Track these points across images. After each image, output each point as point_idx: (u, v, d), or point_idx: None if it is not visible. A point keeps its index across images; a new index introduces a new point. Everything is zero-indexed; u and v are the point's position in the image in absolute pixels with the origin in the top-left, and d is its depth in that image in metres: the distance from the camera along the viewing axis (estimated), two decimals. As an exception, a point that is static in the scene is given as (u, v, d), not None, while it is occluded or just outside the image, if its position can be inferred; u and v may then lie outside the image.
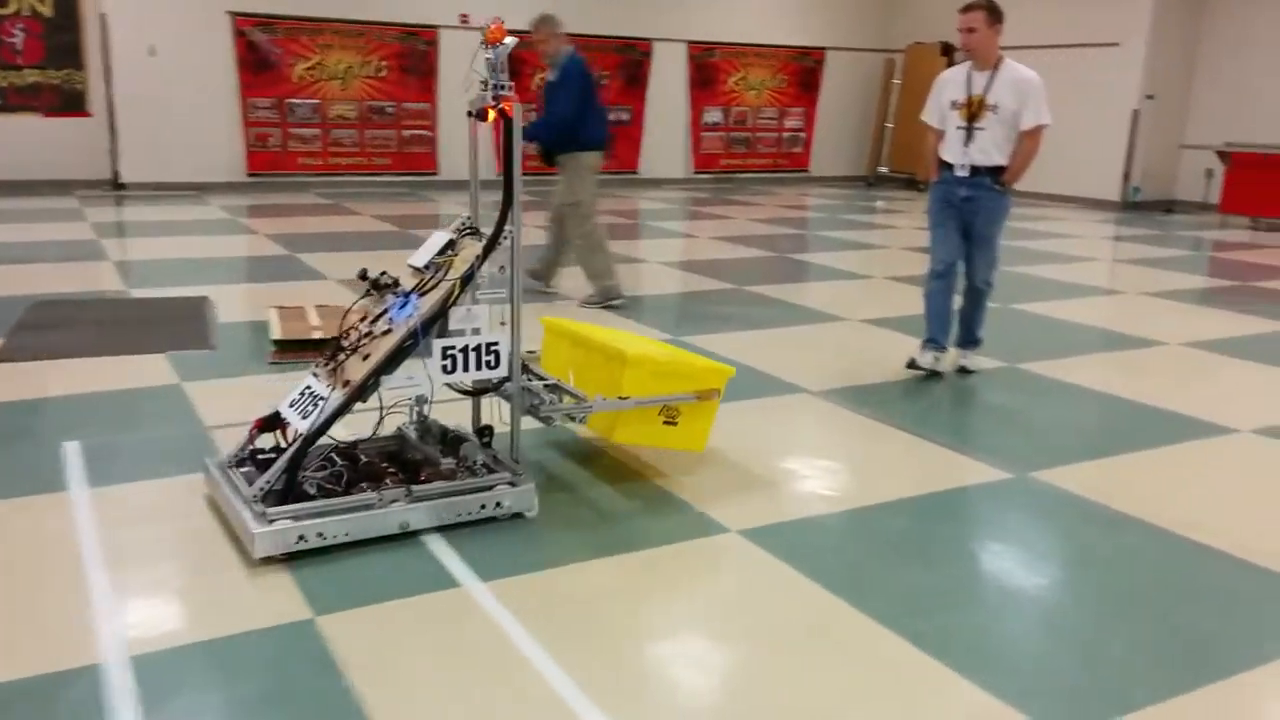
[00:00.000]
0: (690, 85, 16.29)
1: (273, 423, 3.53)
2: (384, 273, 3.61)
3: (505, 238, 3.45)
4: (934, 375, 5.49)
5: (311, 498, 3.28)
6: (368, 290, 3.62)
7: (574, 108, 6.86)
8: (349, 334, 3.52)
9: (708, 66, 16.41)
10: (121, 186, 12.65)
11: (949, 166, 5.44)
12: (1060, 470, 4.16)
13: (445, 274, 3.45)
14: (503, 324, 3.53)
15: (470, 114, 3.49)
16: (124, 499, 3.61)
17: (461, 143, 15.23)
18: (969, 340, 5.68)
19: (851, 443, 4.49)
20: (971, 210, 5.41)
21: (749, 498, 3.78)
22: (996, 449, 4.43)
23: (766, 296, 7.60)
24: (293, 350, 5.43)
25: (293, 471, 3.26)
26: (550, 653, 2.69)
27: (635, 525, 3.53)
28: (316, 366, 3.53)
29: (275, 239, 9.52)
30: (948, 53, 15.11)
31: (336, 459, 3.46)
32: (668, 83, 16.07)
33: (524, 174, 3.41)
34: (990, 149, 5.32)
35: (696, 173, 16.62)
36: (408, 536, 3.31)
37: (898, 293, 7.91)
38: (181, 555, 3.21)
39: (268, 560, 3.09)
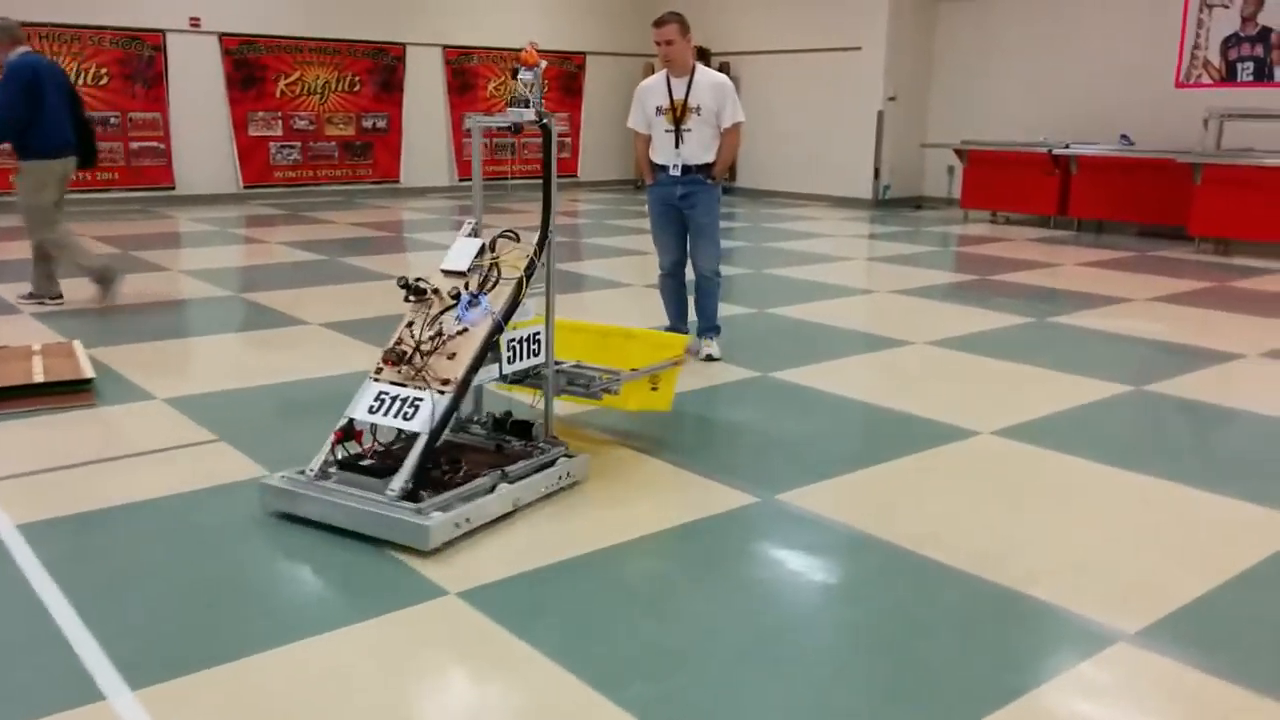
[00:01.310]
0: (449, 91, 15.77)
1: (349, 432, 3.62)
2: (419, 278, 3.77)
3: (549, 236, 3.85)
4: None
5: (419, 492, 3.42)
6: (406, 297, 3.77)
7: (8, 109, 6.58)
8: (403, 339, 3.68)
9: (466, 72, 15.95)
10: None
11: (663, 168, 5.80)
12: (806, 490, 3.98)
13: (498, 273, 3.75)
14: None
15: (511, 129, 3.87)
16: None
17: (197, 153, 14.04)
18: (708, 329, 5.97)
19: (592, 471, 4.15)
20: (689, 205, 5.77)
21: (471, 549, 3.39)
22: (743, 470, 4.22)
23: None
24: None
25: (422, 468, 3.42)
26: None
27: (337, 595, 3.08)
28: (377, 373, 3.63)
29: (-33, 269, 8.41)
30: (703, 56, 15.22)
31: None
32: (425, 89, 15.51)
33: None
34: (698, 149, 5.71)
35: (462, 180, 16.11)
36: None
37: (654, 301, 7.70)
38: None
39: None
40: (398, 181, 15.42)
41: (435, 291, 3.78)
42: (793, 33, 15.40)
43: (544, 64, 3.86)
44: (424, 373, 3.59)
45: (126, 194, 13.12)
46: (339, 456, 3.61)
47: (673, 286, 6.06)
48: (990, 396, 5.40)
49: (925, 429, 4.78)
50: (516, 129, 3.87)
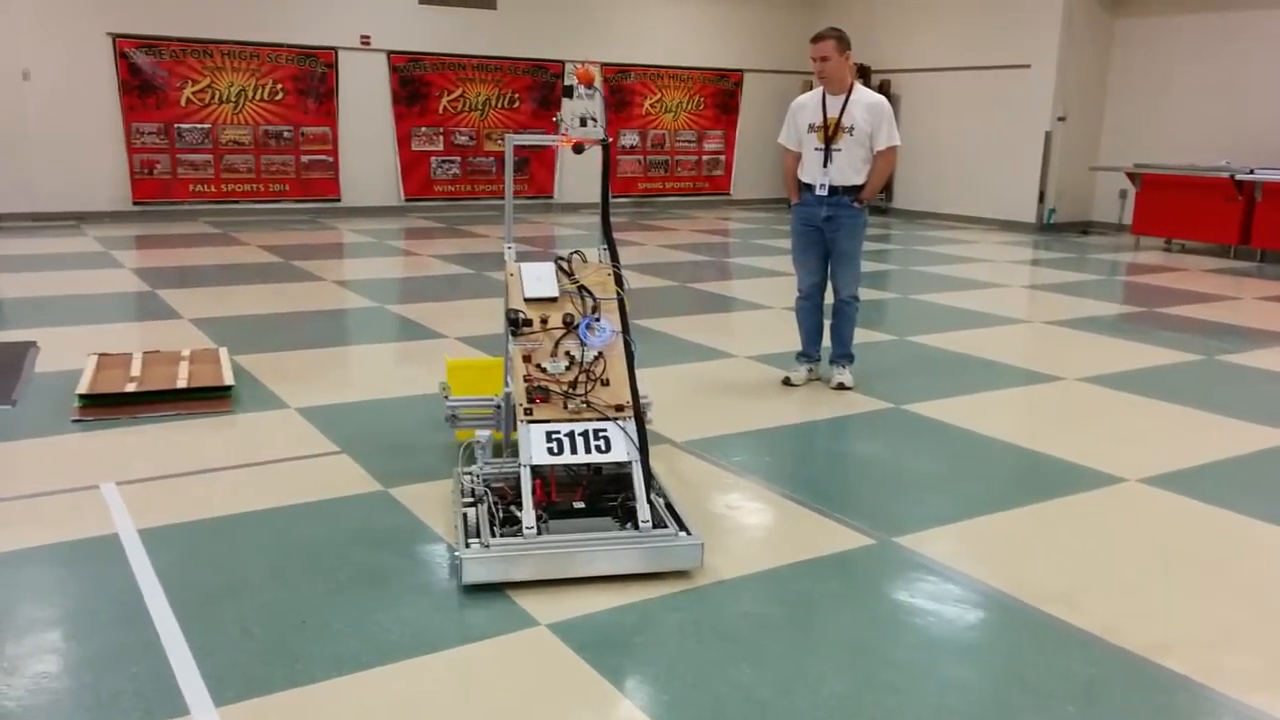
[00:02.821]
0: (605, 108, 15.88)
1: (543, 476, 3.55)
2: (520, 312, 3.71)
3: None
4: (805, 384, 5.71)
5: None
6: (516, 331, 3.68)
7: None
8: (532, 375, 3.57)
9: (623, 89, 16.07)
10: (-7, 217, 11.97)
11: (809, 188, 5.62)
12: (927, 534, 3.76)
13: (591, 294, 3.74)
14: None
15: (578, 150, 3.96)
16: None
17: (362, 167, 14.60)
18: (842, 356, 5.81)
19: (703, 503, 4.03)
20: (833, 228, 5.60)
21: (564, 579, 3.30)
22: (862, 509, 4.02)
23: (655, 331, 7.18)
24: (101, 407, 4.88)
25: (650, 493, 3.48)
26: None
27: (428, 620, 3.05)
28: (528, 414, 3.50)
29: (141, 273, 8.92)
30: (863, 74, 14.90)
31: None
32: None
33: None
34: (847, 169, 5.53)
35: (615, 196, 16.22)
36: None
37: (792, 325, 7.53)
38: None
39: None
40: (551, 197, 15.65)
41: (544, 321, 3.70)
42: (958, 50, 14.91)
43: (599, 83, 4.02)
44: (591, 404, 3.54)
45: (296, 205, 13.74)
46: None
47: (808, 310, 5.88)
48: (1143, 440, 5.02)
49: (1066, 473, 4.47)
50: (579, 150, 3.93)
